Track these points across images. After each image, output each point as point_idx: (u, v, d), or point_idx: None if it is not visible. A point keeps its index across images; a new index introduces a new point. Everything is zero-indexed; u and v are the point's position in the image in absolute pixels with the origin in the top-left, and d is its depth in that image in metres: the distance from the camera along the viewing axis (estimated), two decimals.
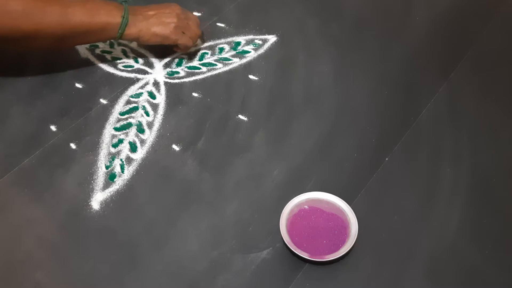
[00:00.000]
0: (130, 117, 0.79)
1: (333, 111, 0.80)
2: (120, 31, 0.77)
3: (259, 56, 0.89)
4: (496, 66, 0.87)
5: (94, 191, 0.70)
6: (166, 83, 0.84)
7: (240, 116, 0.79)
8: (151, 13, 0.81)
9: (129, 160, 0.74)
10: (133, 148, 0.75)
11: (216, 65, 0.88)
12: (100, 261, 0.63)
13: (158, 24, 0.81)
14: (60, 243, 0.65)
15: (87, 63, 0.87)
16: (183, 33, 0.83)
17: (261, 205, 0.68)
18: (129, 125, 0.78)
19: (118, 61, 0.88)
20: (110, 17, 0.77)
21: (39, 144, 0.75)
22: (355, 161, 0.73)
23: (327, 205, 0.66)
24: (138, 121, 0.79)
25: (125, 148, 0.75)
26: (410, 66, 0.87)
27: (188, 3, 0.99)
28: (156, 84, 0.84)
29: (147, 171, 0.72)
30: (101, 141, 0.76)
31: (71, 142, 0.76)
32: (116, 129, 0.78)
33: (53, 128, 0.78)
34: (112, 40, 0.91)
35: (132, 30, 0.79)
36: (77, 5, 0.74)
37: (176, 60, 0.88)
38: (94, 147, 0.75)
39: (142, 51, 0.90)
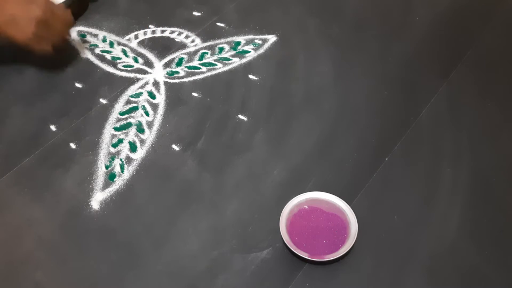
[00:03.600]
0: (130, 117, 0.79)
1: (333, 111, 0.80)
2: None
3: (259, 56, 0.89)
4: (496, 66, 0.87)
5: (94, 191, 0.70)
6: (166, 83, 0.84)
7: (240, 116, 0.79)
8: None
9: (129, 160, 0.74)
10: (133, 148, 0.75)
11: (216, 65, 0.88)
12: (100, 261, 0.63)
13: None
14: (60, 243, 0.65)
15: (87, 63, 0.88)
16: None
17: (261, 205, 0.68)
18: (129, 125, 0.78)
19: (118, 60, 0.88)
20: None
21: (39, 144, 0.75)
22: (355, 161, 0.73)
23: (327, 205, 0.66)
24: (138, 121, 0.79)
25: (125, 148, 0.75)
26: (410, 66, 0.87)
27: (188, 3, 0.99)
28: (156, 84, 0.84)
29: (147, 171, 0.72)
30: (101, 141, 0.76)
31: (71, 142, 0.76)
32: (116, 129, 0.78)
33: (53, 128, 0.78)
34: (111, 40, 0.91)
35: None
36: None
37: (176, 60, 0.88)
38: (94, 147, 0.75)
39: (142, 50, 0.90)
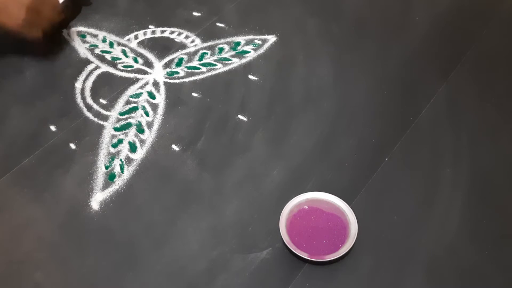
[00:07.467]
0: (129, 117, 0.79)
1: (333, 111, 0.80)
2: None
3: (259, 56, 0.89)
4: (495, 66, 0.87)
5: (94, 191, 0.70)
6: (165, 83, 0.85)
7: (240, 116, 0.79)
8: None
9: (128, 160, 0.74)
10: (132, 148, 0.75)
11: (215, 65, 0.88)
12: (100, 261, 0.63)
13: None
14: (60, 243, 0.65)
15: (87, 63, 0.87)
16: None
17: (260, 205, 0.68)
18: (128, 125, 0.78)
19: (118, 61, 0.88)
20: None
21: (39, 144, 0.75)
22: (355, 161, 0.73)
23: (327, 205, 0.66)
24: (138, 121, 0.79)
25: (124, 148, 0.75)
26: (410, 66, 0.87)
27: (188, 3, 0.99)
28: (155, 84, 0.84)
29: (146, 171, 0.72)
30: (100, 141, 0.76)
31: (71, 142, 0.76)
32: (115, 129, 0.78)
33: (53, 128, 0.78)
34: (111, 40, 0.91)
35: None
36: None
37: (176, 60, 0.88)
38: (93, 147, 0.75)
39: (142, 51, 0.90)
